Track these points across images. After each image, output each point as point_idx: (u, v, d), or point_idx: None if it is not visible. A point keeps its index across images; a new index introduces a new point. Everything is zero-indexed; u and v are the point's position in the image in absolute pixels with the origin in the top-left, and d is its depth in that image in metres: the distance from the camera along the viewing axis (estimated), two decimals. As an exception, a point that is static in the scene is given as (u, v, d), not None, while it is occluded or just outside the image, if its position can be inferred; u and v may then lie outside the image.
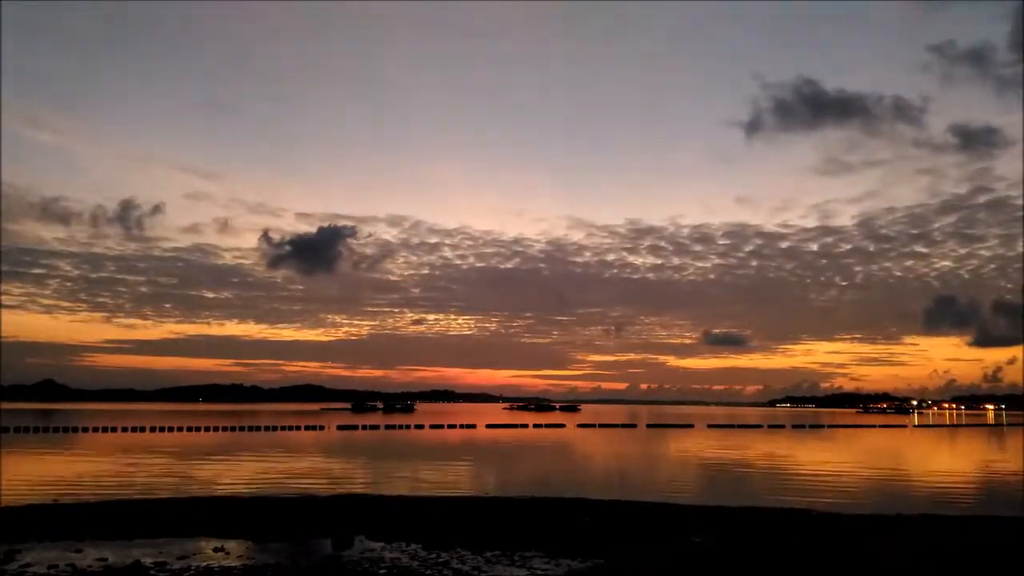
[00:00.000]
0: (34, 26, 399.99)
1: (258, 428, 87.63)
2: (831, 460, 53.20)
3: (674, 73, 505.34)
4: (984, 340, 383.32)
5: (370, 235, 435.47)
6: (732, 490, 33.90)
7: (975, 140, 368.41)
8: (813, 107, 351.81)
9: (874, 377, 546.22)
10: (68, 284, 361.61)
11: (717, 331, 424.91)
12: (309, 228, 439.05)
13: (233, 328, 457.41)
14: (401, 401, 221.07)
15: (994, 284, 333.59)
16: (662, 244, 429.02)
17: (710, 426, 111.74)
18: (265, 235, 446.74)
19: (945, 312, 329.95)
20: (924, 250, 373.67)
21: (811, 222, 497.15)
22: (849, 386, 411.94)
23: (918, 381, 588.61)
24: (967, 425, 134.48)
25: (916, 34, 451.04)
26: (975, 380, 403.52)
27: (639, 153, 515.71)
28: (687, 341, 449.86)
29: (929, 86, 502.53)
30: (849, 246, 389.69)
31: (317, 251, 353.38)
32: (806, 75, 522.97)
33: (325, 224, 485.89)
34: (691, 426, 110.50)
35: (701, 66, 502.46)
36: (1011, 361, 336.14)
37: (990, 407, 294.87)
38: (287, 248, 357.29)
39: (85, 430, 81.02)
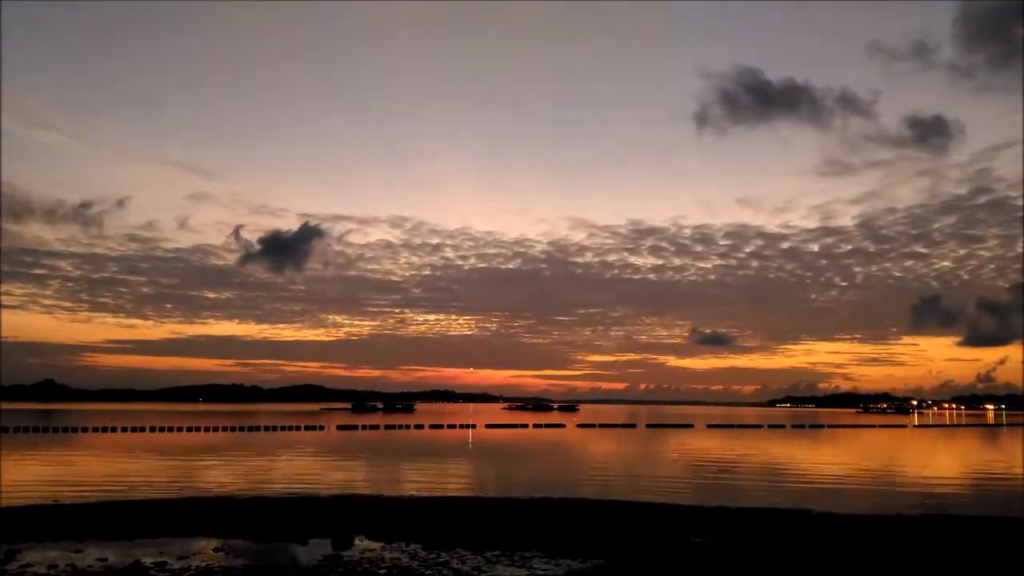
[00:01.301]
0: (35, 26, 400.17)
1: (258, 428, 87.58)
2: (831, 460, 53.21)
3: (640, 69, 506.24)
4: (984, 340, 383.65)
5: (345, 233, 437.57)
6: (732, 490, 33.88)
7: (930, 132, 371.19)
8: (762, 99, 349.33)
9: (872, 377, 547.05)
10: (69, 284, 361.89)
11: (717, 331, 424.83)
12: (322, 228, 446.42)
13: (233, 328, 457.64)
14: (401, 401, 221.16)
15: (993, 284, 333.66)
16: (663, 245, 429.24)
17: (710, 426, 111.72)
18: (236, 232, 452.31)
19: (945, 312, 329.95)
20: (924, 250, 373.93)
21: (812, 223, 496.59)
22: (846, 386, 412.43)
23: (916, 381, 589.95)
24: (967, 425, 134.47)
25: (858, 27, 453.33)
26: (975, 380, 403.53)
27: (640, 152, 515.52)
28: (687, 341, 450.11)
29: (875, 78, 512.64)
30: (850, 247, 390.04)
31: (298, 249, 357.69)
32: (752, 67, 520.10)
33: (329, 224, 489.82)
34: (691, 426, 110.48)
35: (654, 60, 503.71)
36: (1002, 361, 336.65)
37: (990, 407, 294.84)
38: (258, 246, 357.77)
39: (85, 430, 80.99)
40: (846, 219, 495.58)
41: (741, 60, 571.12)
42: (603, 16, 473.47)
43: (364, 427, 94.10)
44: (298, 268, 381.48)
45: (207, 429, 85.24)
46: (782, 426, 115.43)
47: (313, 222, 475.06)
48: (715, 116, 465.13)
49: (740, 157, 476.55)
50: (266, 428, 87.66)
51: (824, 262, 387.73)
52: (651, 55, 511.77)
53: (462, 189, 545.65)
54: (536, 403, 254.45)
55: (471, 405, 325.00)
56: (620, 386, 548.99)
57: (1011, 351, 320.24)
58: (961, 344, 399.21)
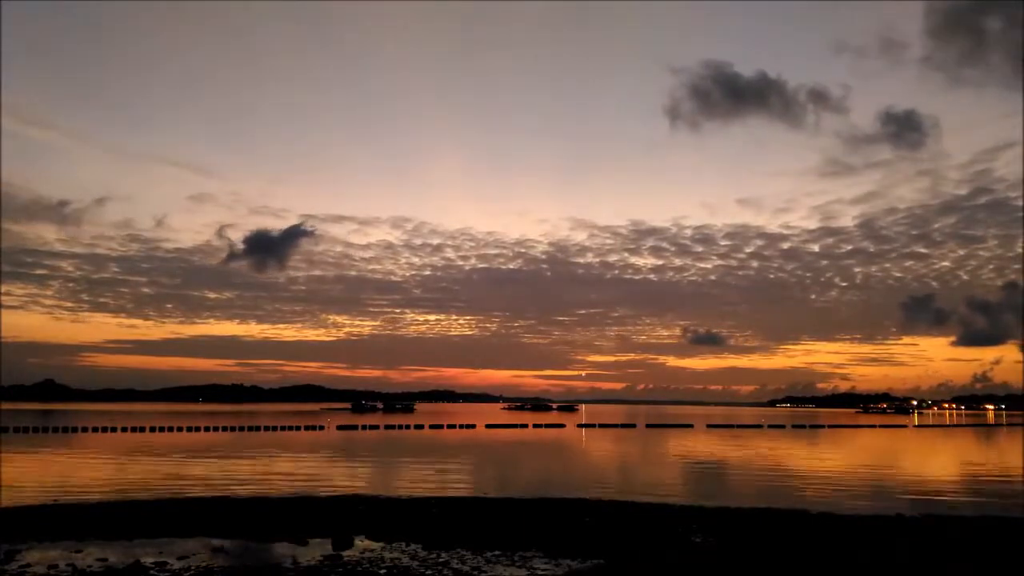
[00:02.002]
0: (35, 25, 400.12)
1: (258, 428, 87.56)
2: (831, 460, 53.19)
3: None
4: (982, 340, 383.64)
5: (346, 233, 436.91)
6: (732, 490, 33.91)
7: (905, 127, 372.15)
8: (733, 95, 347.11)
9: (871, 377, 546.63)
10: (70, 285, 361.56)
11: (717, 331, 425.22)
12: (310, 228, 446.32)
13: (233, 328, 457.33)
14: (401, 401, 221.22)
15: (993, 285, 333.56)
16: (664, 245, 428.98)
17: (710, 426, 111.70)
18: (220, 232, 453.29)
19: (944, 312, 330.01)
20: (924, 251, 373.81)
21: (813, 223, 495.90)
22: (844, 386, 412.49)
23: (913, 381, 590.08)
24: (967, 425, 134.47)
25: (826, 23, 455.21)
26: (972, 380, 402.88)
27: (642, 152, 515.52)
28: (687, 341, 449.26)
29: (845, 74, 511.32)
30: (850, 247, 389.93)
31: (297, 249, 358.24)
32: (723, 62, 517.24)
33: (329, 225, 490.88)
34: (691, 426, 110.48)
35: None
36: (997, 361, 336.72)
37: (990, 407, 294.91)
38: (257, 247, 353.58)
39: (85, 430, 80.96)
40: (846, 219, 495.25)
41: (722, 57, 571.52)
42: (607, 13, 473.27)
43: (364, 427, 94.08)
44: (297, 268, 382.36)
45: (207, 429, 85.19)
46: (782, 426, 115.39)
47: (313, 222, 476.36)
48: (710, 113, 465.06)
49: (741, 158, 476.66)
50: (266, 428, 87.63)
51: (824, 262, 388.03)
52: (655, 55, 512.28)
53: (463, 190, 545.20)
54: (535, 403, 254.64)
55: (471, 405, 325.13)
56: (619, 386, 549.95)
57: (1008, 351, 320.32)
58: (959, 344, 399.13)
